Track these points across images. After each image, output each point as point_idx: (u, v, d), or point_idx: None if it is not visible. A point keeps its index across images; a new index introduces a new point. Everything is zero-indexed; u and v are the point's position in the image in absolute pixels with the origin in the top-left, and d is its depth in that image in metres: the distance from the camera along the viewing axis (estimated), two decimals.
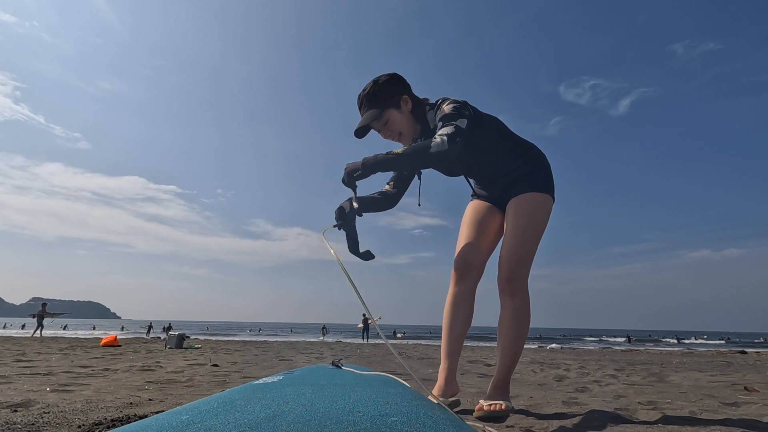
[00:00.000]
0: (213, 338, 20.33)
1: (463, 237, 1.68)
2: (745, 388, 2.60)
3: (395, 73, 1.51)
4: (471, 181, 1.76)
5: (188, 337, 11.79)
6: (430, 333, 40.62)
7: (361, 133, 1.49)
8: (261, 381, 1.09)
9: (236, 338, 23.04)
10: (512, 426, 1.37)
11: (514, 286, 1.50)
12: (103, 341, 8.75)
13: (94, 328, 39.46)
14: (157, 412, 1.55)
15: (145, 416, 1.50)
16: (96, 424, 1.40)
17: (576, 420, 1.48)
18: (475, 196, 1.77)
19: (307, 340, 19.28)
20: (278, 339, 21.71)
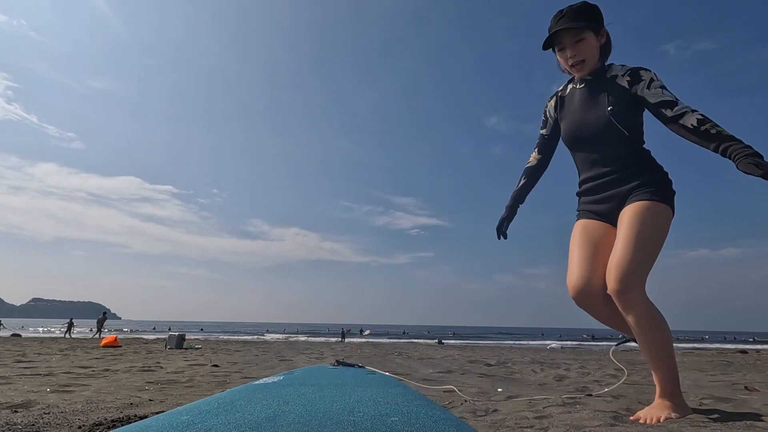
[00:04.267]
0: (213, 338, 20.34)
1: (574, 261, 1.49)
2: (746, 388, 2.59)
3: (598, 7, 1.49)
4: (582, 188, 1.60)
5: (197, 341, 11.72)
6: (404, 333, 40.34)
7: (549, 42, 1.49)
8: (261, 381, 1.09)
9: (238, 338, 23.05)
10: (511, 427, 1.37)
11: (626, 299, 1.32)
12: (103, 342, 8.77)
13: (91, 330, 39.39)
14: (157, 413, 1.55)
15: (146, 417, 1.50)
16: (96, 425, 1.40)
17: (576, 420, 1.48)
18: (584, 212, 1.59)
19: (328, 340, 19.29)
20: (278, 338, 21.67)
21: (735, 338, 46.60)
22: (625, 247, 1.31)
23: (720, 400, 2.02)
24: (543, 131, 1.72)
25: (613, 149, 1.46)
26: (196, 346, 8.99)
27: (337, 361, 1.48)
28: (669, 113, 1.32)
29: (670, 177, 1.49)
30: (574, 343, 26.57)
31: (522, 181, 1.77)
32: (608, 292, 1.36)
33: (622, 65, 1.48)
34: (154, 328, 47.75)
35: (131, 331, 38.44)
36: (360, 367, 1.44)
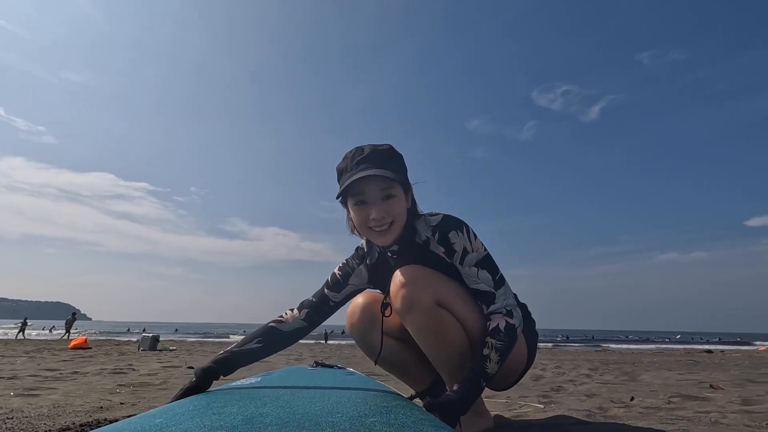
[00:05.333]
0: (189, 339, 19.90)
1: None
2: (711, 386, 2.70)
3: None
4: None
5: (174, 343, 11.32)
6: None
7: (341, 192, 1.06)
8: (238, 382, 1.07)
9: (214, 339, 22.60)
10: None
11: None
12: (72, 343, 8.47)
13: (51, 330, 37.58)
14: (129, 416, 1.51)
15: (116, 420, 1.45)
16: (64, 429, 1.35)
17: (550, 418, 1.51)
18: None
19: (309, 342, 19.05)
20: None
21: (702, 338, 48.49)
22: None
23: (687, 398, 2.10)
24: (336, 296, 1.21)
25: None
26: (171, 348, 8.78)
27: (315, 362, 1.46)
28: (484, 309, 1.09)
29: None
30: (549, 344, 27.13)
31: (254, 345, 1.11)
32: None
33: (426, 220, 1.12)
34: (128, 330, 46.11)
35: (103, 332, 37.25)
36: (339, 368, 1.43)
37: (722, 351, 16.31)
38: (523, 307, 1.26)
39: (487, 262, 1.08)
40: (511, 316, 1.04)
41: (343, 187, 1.02)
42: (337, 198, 1.10)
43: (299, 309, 1.18)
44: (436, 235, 1.10)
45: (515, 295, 1.19)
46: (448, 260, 1.10)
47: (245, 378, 1.17)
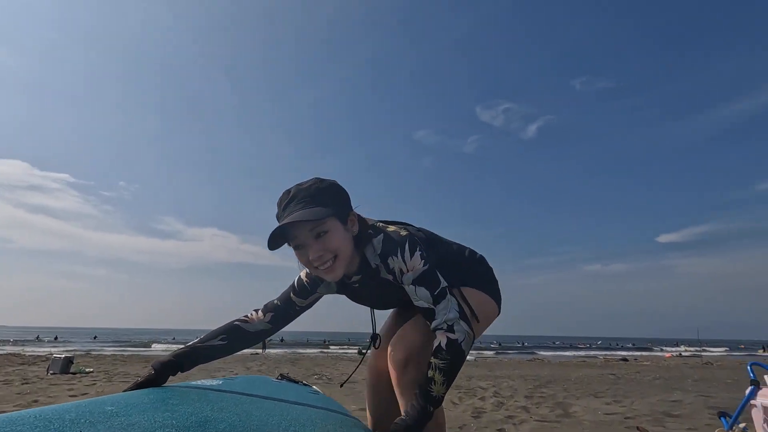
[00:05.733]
0: (108, 352, 18.20)
1: None
2: (637, 428, 2.88)
3: (339, 184, 1.10)
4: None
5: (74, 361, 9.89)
6: (325, 341, 40.07)
7: (275, 242, 1.02)
8: (199, 382, 1.03)
9: (133, 351, 20.78)
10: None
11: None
12: None
13: None
14: None
15: None
16: None
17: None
18: None
19: (244, 351, 18.02)
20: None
21: (618, 344, 53.40)
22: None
23: None
24: (302, 302, 1.18)
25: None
26: (87, 370, 7.93)
27: (281, 375, 1.41)
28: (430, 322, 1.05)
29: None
30: (490, 353, 28.19)
31: (217, 342, 1.08)
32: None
33: (374, 247, 1.08)
34: (37, 337, 41.25)
35: (4, 341, 33.08)
36: (305, 384, 1.39)
37: (636, 359, 18.25)
38: (481, 261, 1.30)
39: (424, 278, 1.04)
40: (452, 331, 0.99)
41: (270, 237, 0.99)
42: (272, 248, 1.03)
43: (264, 311, 1.15)
44: (383, 263, 1.08)
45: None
46: (399, 284, 1.08)
47: (206, 379, 1.11)
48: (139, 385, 0.92)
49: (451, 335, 0.98)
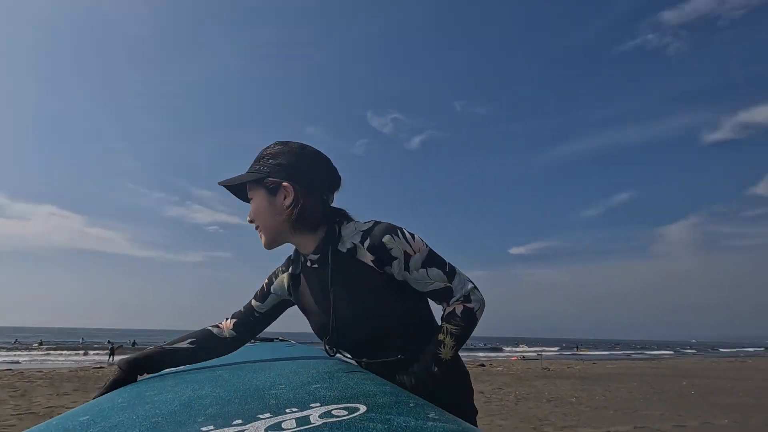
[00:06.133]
0: None
1: None
2: None
3: (317, 154, 1.01)
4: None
5: None
6: None
7: (236, 189, 1.02)
8: (170, 369, 1.00)
9: None
10: None
11: None
12: None
13: None
14: None
15: None
16: None
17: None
18: None
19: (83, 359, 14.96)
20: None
21: (473, 345, 60.56)
22: None
23: None
24: (260, 306, 1.09)
25: (379, 340, 1.01)
26: None
27: (257, 337, 1.34)
28: (444, 307, 0.99)
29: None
30: None
31: (185, 345, 1.03)
32: None
33: (355, 225, 1.00)
34: None
35: None
36: (281, 340, 1.38)
37: (490, 363, 20.76)
38: None
39: (433, 258, 0.98)
40: (469, 301, 0.96)
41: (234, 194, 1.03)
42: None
43: (231, 318, 1.08)
44: (366, 242, 0.95)
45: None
46: (378, 269, 0.95)
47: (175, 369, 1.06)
48: (110, 387, 0.89)
49: (468, 304, 0.96)
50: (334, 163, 1.04)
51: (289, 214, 0.95)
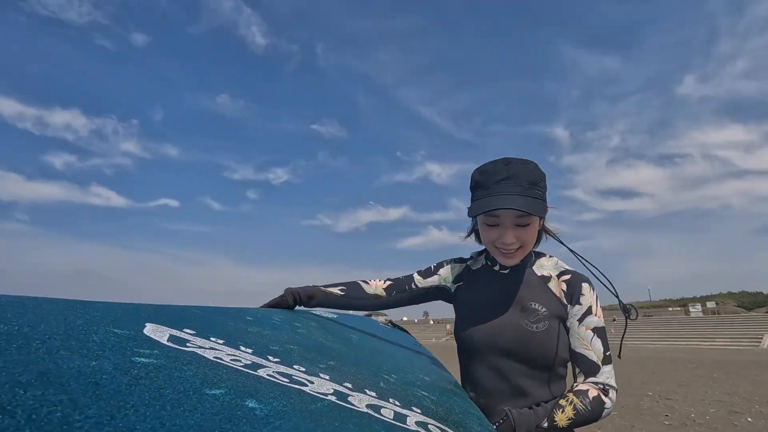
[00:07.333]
0: None
1: None
2: None
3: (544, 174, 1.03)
4: None
5: None
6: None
7: (475, 211, 0.98)
8: (319, 312, 1.13)
9: None
10: None
11: None
12: None
13: None
14: None
15: None
16: None
17: None
18: None
19: None
20: None
21: None
22: None
23: None
24: (420, 280, 1.15)
25: (526, 371, 1.00)
26: None
27: (390, 321, 1.47)
28: (578, 380, 0.98)
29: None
30: None
31: (337, 291, 1.11)
32: None
33: (557, 262, 1.06)
34: None
35: None
36: (410, 335, 1.41)
37: None
38: None
39: (603, 334, 0.99)
40: (606, 394, 0.94)
41: (477, 213, 0.96)
42: (470, 216, 1.02)
43: (384, 280, 1.16)
44: (564, 277, 1.02)
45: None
46: (564, 301, 1.00)
47: (324, 311, 1.19)
48: (272, 305, 1.04)
49: (603, 396, 0.93)
50: None
51: (539, 236, 1.07)
